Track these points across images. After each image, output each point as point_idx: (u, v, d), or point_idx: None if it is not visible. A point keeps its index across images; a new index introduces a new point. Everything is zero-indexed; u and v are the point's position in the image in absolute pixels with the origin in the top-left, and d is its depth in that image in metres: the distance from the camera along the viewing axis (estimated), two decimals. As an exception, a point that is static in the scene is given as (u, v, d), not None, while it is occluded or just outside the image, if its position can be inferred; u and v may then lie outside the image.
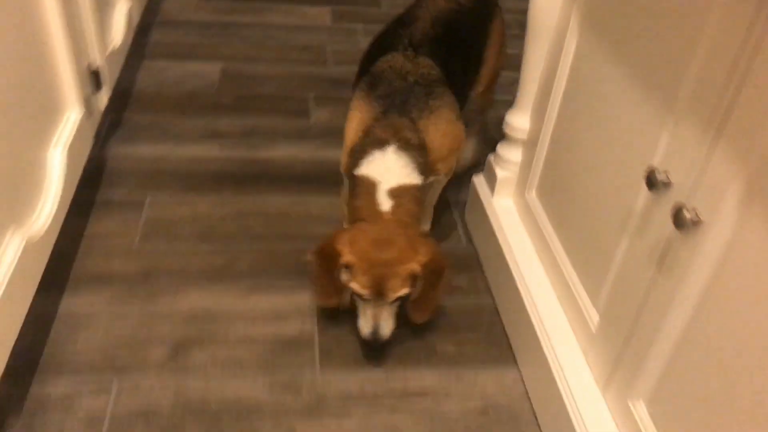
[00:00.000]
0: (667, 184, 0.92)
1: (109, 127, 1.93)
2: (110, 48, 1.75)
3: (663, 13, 0.95)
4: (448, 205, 1.78)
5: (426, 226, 1.63)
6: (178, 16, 2.64)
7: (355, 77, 1.54)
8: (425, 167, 1.36)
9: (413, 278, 1.25)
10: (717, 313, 0.84)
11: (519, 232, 1.47)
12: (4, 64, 1.12)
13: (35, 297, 1.19)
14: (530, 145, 1.44)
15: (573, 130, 1.26)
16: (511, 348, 1.40)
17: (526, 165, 1.46)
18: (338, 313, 1.41)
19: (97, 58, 1.62)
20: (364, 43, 2.47)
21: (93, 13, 1.56)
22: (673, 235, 0.91)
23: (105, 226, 1.59)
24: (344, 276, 1.26)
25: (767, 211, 0.75)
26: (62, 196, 1.33)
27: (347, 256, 1.23)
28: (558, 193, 1.34)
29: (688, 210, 0.85)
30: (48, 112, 1.35)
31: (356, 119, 1.41)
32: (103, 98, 1.68)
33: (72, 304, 1.38)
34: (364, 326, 1.28)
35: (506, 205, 1.54)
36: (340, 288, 1.28)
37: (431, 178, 1.44)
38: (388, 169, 1.32)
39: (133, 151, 1.85)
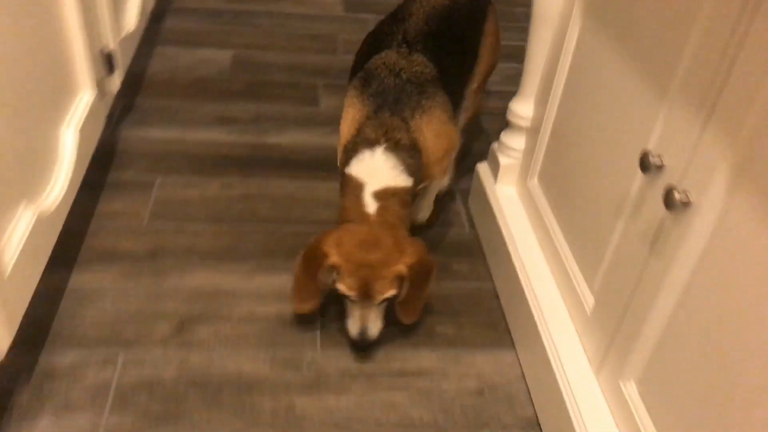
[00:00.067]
0: (660, 167, 0.94)
1: (122, 110, 1.97)
2: (124, 32, 1.79)
3: (659, 2, 0.97)
4: (452, 192, 1.81)
5: (425, 215, 1.63)
6: (191, 3, 2.67)
7: (350, 73, 1.54)
8: (416, 169, 1.34)
9: (400, 280, 1.25)
10: (704, 294, 0.86)
11: (520, 218, 1.49)
12: (20, 44, 1.16)
13: (46, 272, 1.23)
14: (533, 132, 1.46)
15: (574, 117, 1.28)
16: (509, 331, 1.42)
17: (529, 152, 1.48)
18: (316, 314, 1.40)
19: (111, 42, 1.66)
20: (374, 32, 2.49)
21: (107, -3, 1.60)
22: (665, 217, 0.93)
23: (115, 206, 1.62)
24: (331, 277, 1.26)
25: (753, 191, 0.76)
26: (73, 174, 1.37)
27: (334, 258, 1.23)
28: (558, 179, 1.36)
29: (678, 192, 0.86)
30: (61, 93, 1.38)
31: (349, 116, 1.40)
32: (116, 81, 1.72)
33: (81, 279, 1.42)
34: (352, 327, 1.29)
35: (508, 193, 1.56)
36: (319, 292, 1.28)
37: (424, 184, 1.43)
38: (376, 170, 1.31)
39: (145, 134, 1.89)
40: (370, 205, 1.30)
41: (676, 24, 0.92)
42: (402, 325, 1.34)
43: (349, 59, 2.38)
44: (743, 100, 0.77)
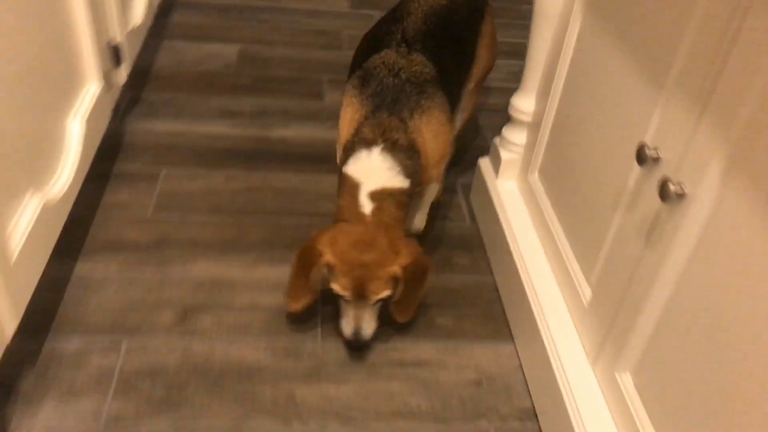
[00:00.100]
0: (656, 160, 0.95)
1: (128, 103, 1.99)
2: (131, 26, 1.80)
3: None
4: (454, 187, 1.82)
5: (420, 225, 1.60)
6: (198, -2, 2.69)
7: (349, 71, 1.52)
8: (413, 170, 1.33)
9: (394, 280, 1.25)
10: (698, 285, 0.87)
11: (521, 212, 1.50)
12: (28, 36, 1.18)
13: (52, 260, 1.25)
14: (534, 127, 1.47)
15: (574, 111, 1.29)
16: (508, 324, 1.43)
17: (530, 147, 1.49)
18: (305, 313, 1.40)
19: (118, 35, 1.68)
20: (379, 29, 2.50)
21: (114, -10, 1.62)
22: (660, 208, 0.94)
23: (121, 197, 1.64)
24: (325, 276, 1.26)
25: (746, 182, 0.78)
26: (80, 164, 1.39)
27: (328, 257, 1.23)
28: (558, 173, 1.37)
29: (673, 183, 0.88)
30: (68, 84, 1.40)
31: (348, 116, 1.39)
32: (123, 74, 1.74)
33: (86, 268, 1.44)
34: (346, 327, 1.29)
35: (509, 187, 1.58)
36: (312, 291, 1.28)
37: (420, 187, 1.41)
38: (372, 171, 1.30)
39: (151, 127, 1.91)
40: (366, 206, 1.29)
41: (673, 20, 0.94)
42: (397, 322, 1.35)
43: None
44: (736, 94, 0.79)
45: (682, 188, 0.87)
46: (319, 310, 1.41)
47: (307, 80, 2.23)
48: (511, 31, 2.68)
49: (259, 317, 1.38)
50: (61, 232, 1.30)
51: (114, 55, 1.66)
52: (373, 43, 1.49)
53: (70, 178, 1.34)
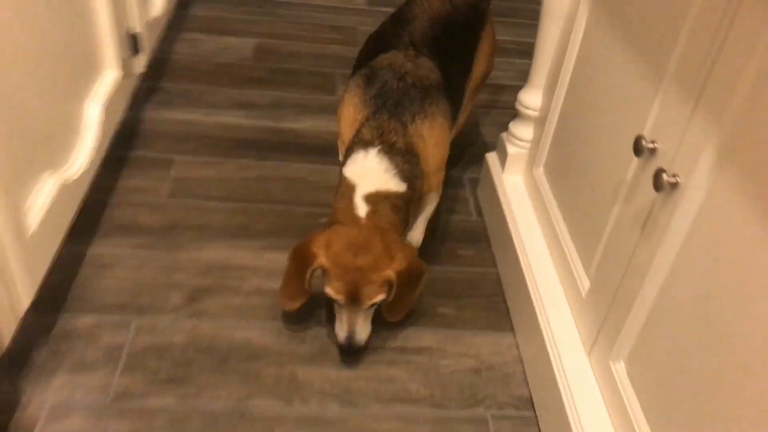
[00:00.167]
0: (653, 151, 0.97)
1: (146, 92, 2.03)
2: (150, 16, 1.85)
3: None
4: (461, 181, 1.84)
5: (417, 240, 1.52)
6: (218, -8, 2.74)
7: (352, 70, 1.51)
8: (410, 174, 1.31)
9: (388, 285, 1.23)
10: (689, 273, 0.89)
11: (525, 206, 1.53)
12: (49, 19, 1.22)
13: (67, 240, 1.30)
14: (540, 122, 1.49)
15: (578, 106, 1.31)
16: (509, 316, 1.46)
17: (536, 142, 1.51)
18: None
19: (137, 24, 1.72)
20: (395, 25, 2.53)
21: (135, -20, 1.67)
22: (655, 199, 0.96)
23: (136, 182, 1.69)
24: (319, 278, 1.25)
25: (736, 172, 0.80)
26: (96, 148, 1.43)
27: (322, 260, 1.22)
28: (562, 167, 1.39)
29: (667, 174, 0.90)
30: (87, 69, 1.45)
31: (350, 116, 1.38)
32: (141, 62, 1.78)
33: (100, 249, 1.49)
34: (340, 331, 1.28)
35: (515, 181, 1.60)
36: (306, 291, 1.27)
37: (419, 195, 1.38)
38: (368, 173, 1.28)
39: (167, 116, 1.95)
40: (361, 208, 1.27)
41: (671, 16, 0.96)
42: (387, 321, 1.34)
43: (368, 51, 2.44)
44: (727, 87, 0.81)
45: (675, 178, 0.89)
46: (324, 297, 1.44)
47: (321, 74, 2.27)
48: (523, 30, 2.70)
49: (266, 301, 1.42)
50: (78, 214, 1.35)
51: (133, 44, 1.70)
52: (379, 44, 1.48)
53: (87, 161, 1.38)
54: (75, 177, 1.32)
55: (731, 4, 0.81)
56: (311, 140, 1.93)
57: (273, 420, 1.20)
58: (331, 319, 1.36)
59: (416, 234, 1.52)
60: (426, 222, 1.51)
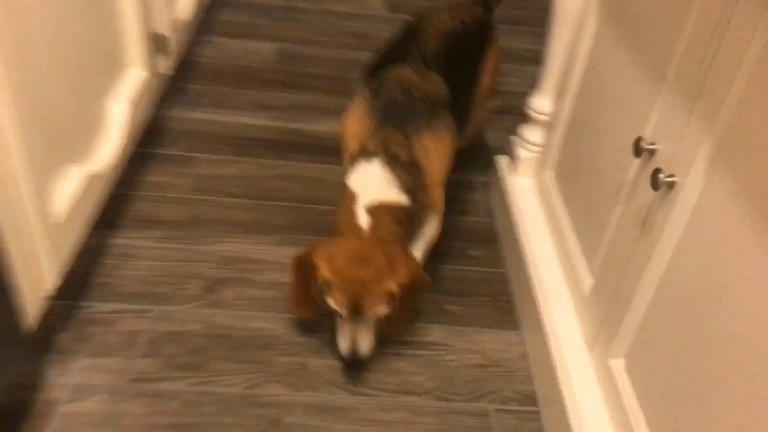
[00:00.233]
0: (651, 151, 1.00)
1: (173, 92, 2.11)
2: (177, 18, 1.92)
3: (658, 9, 1.04)
4: (473, 184, 1.88)
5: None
6: (245, -2, 2.82)
7: (361, 81, 1.53)
8: (413, 187, 1.30)
9: (391, 297, 1.21)
10: (685, 270, 0.92)
11: (534, 208, 1.56)
12: (77, 16, 1.29)
13: (93, 231, 1.36)
14: (549, 126, 1.52)
15: (586, 110, 1.35)
16: (516, 314, 1.49)
17: (545, 145, 1.55)
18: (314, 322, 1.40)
19: (164, 27, 1.79)
20: (415, 32, 2.58)
21: (163, -17, 1.74)
22: (654, 198, 0.99)
23: (160, 177, 1.76)
24: (322, 290, 1.24)
25: (730, 172, 0.83)
26: (122, 144, 1.49)
27: (324, 272, 1.21)
28: (569, 170, 1.42)
29: (664, 173, 0.93)
30: (113, 68, 1.51)
31: (355, 128, 1.39)
32: (168, 64, 1.85)
33: (124, 240, 1.55)
34: (342, 344, 1.27)
35: (525, 184, 1.63)
36: (315, 301, 1.27)
37: (423, 210, 1.36)
38: (370, 184, 1.28)
39: (192, 116, 2.02)
40: (363, 219, 1.26)
41: (670, 27, 0.99)
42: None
43: (389, 56, 2.50)
44: (721, 91, 0.84)
45: (671, 178, 0.92)
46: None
47: (340, 79, 2.32)
48: (535, 39, 2.73)
49: (279, 294, 1.47)
50: (104, 206, 1.41)
51: (159, 45, 1.77)
52: (388, 56, 1.50)
53: (113, 155, 1.44)
54: (101, 170, 1.38)
55: (723, 17, 0.84)
56: (328, 141, 1.99)
57: (283, 406, 1.24)
58: (335, 331, 1.34)
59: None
60: (427, 248, 1.46)
